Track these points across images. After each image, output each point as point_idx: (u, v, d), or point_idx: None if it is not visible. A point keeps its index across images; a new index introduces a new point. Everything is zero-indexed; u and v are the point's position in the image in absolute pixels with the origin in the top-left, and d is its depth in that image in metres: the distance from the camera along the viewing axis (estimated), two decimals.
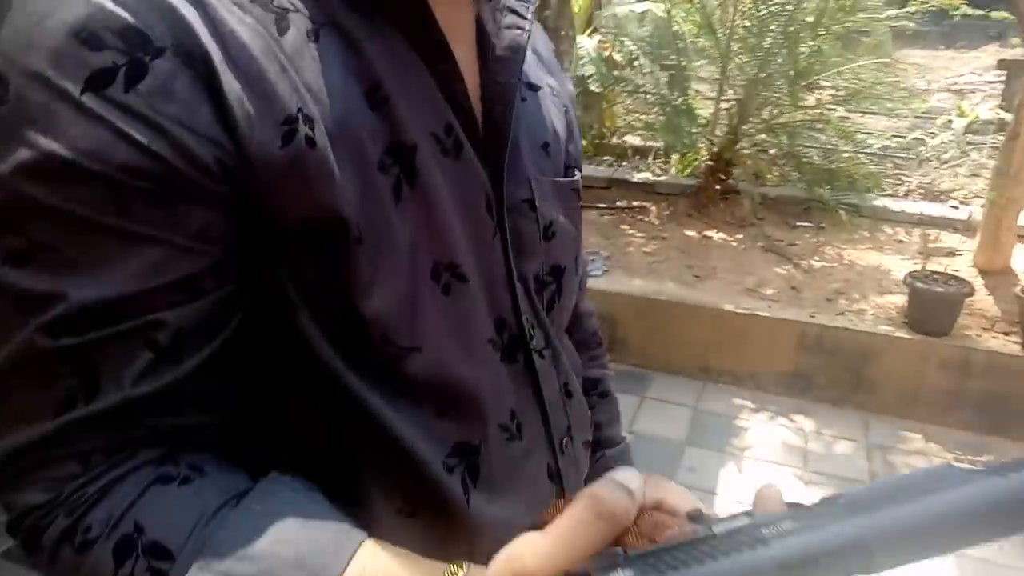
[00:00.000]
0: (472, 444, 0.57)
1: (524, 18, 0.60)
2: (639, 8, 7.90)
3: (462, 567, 0.43)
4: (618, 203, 4.68)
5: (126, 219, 0.42)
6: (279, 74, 0.45)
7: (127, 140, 0.41)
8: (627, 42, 6.66)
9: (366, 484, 0.54)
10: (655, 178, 4.85)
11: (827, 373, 3.25)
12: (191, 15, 0.42)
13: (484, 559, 0.57)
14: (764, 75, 4.20)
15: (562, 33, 7.68)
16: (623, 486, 0.34)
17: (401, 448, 0.53)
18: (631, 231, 4.31)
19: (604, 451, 0.89)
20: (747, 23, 4.23)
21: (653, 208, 4.59)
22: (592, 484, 0.35)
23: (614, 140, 7.27)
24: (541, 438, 0.63)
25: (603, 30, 8.00)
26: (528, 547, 0.33)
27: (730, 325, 3.38)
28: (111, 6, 0.41)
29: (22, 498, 0.44)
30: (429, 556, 0.55)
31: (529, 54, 0.65)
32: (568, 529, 0.33)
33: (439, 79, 0.52)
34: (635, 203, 4.65)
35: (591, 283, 3.50)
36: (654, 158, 5.34)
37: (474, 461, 0.57)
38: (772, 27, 4.12)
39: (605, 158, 5.65)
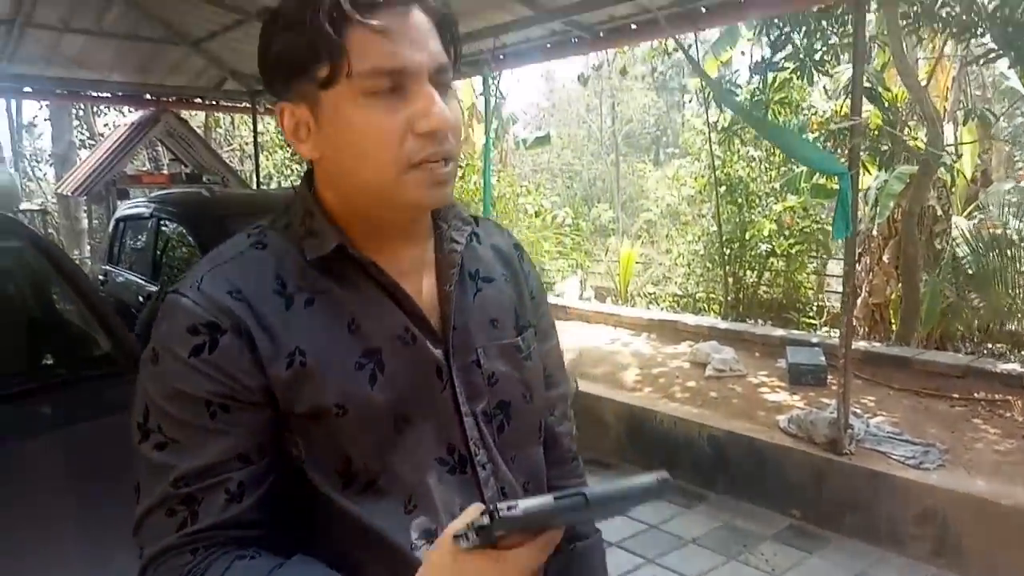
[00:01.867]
0: (432, 529, 0.84)
1: (459, 243, 0.92)
2: None
3: None
4: (975, 394, 4.30)
5: (210, 421, 0.78)
6: (285, 330, 0.81)
7: (210, 379, 0.78)
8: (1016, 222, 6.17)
9: (365, 562, 0.83)
10: None
11: None
12: (240, 310, 0.80)
13: None
14: None
15: (939, 214, 7.34)
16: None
17: (383, 539, 0.82)
18: (984, 426, 3.93)
19: (576, 543, 1.09)
20: None
21: (1018, 403, 4.13)
22: None
23: (995, 328, 6.57)
24: None
25: (990, 209, 7.44)
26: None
27: None
28: (202, 313, 0.79)
29: None
30: None
31: (488, 252, 1.00)
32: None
33: (398, 302, 0.86)
34: (996, 396, 4.23)
35: (918, 475, 3.33)
36: None
37: (433, 540, 0.81)
38: None
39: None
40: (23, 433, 1.98)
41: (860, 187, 7.38)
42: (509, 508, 0.66)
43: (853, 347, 5.16)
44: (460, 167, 10.10)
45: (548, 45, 5.75)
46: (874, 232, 7.29)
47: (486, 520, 0.66)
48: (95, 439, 2.10)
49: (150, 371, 0.81)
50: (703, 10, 4.80)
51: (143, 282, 4.69)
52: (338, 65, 0.77)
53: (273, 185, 11.64)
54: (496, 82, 6.39)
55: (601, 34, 5.39)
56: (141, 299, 4.42)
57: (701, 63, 8.55)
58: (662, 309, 8.70)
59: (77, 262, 9.75)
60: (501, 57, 5.92)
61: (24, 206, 10.56)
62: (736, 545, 3.51)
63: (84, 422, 2.17)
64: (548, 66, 22.18)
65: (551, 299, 8.15)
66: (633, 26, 5.11)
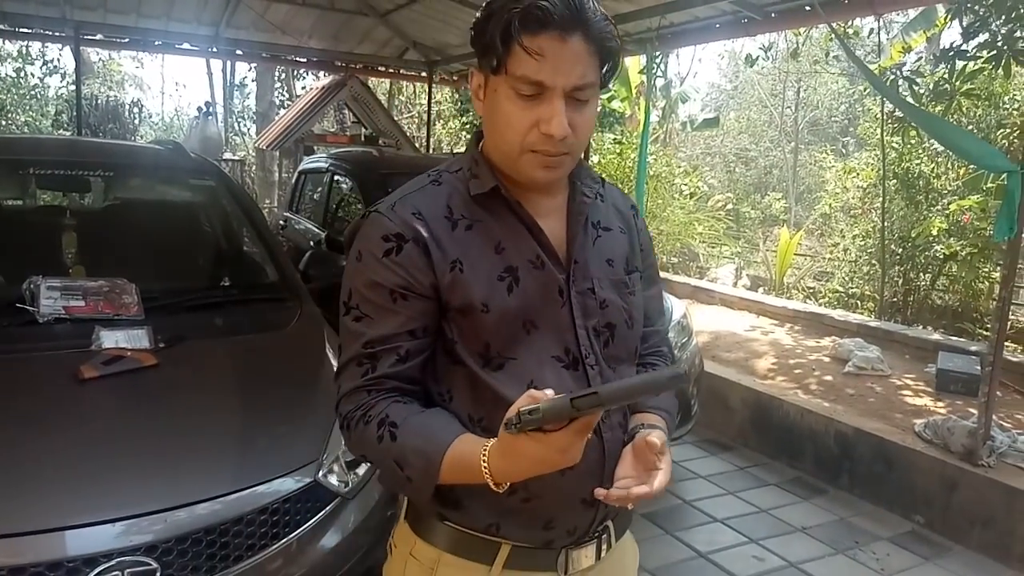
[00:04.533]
0: None
1: (588, 197, 1.18)
2: None
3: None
4: None
5: (392, 304, 1.07)
6: (450, 245, 1.09)
7: (395, 274, 1.07)
8: None
9: (495, 421, 1.01)
10: None
11: None
12: (420, 226, 1.08)
13: None
14: None
15: None
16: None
17: (509, 403, 0.97)
18: None
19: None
20: None
21: None
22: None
23: None
24: None
25: None
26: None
27: None
28: (392, 226, 1.08)
29: (346, 407, 1.11)
30: None
31: (609, 208, 1.26)
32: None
33: (533, 235, 1.13)
34: None
35: None
36: None
37: None
38: None
39: None
40: (200, 336, 2.39)
41: None
42: (531, 412, 0.85)
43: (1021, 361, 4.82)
44: (620, 144, 10.20)
45: (717, 25, 5.66)
46: None
47: (515, 418, 0.87)
48: (253, 349, 2.53)
49: (355, 266, 1.11)
50: None
51: (316, 229, 5.19)
52: (501, 64, 1.04)
53: (444, 151, 12.22)
54: (660, 61, 6.38)
55: (773, 15, 5.26)
56: (312, 244, 4.91)
57: (888, 48, 8.03)
58: (819, 304, 8.34)
59: (267, 209, 10.81)
60: (667, 36, 5.92)
61: (226, 156, 11.81)
62: (847, 540, 3.46)
63: (247, 334, 2.58)
64: (732, 46, 21.37)
65: (702, 283, 8.08)
66: (807, 7, 4.95)
